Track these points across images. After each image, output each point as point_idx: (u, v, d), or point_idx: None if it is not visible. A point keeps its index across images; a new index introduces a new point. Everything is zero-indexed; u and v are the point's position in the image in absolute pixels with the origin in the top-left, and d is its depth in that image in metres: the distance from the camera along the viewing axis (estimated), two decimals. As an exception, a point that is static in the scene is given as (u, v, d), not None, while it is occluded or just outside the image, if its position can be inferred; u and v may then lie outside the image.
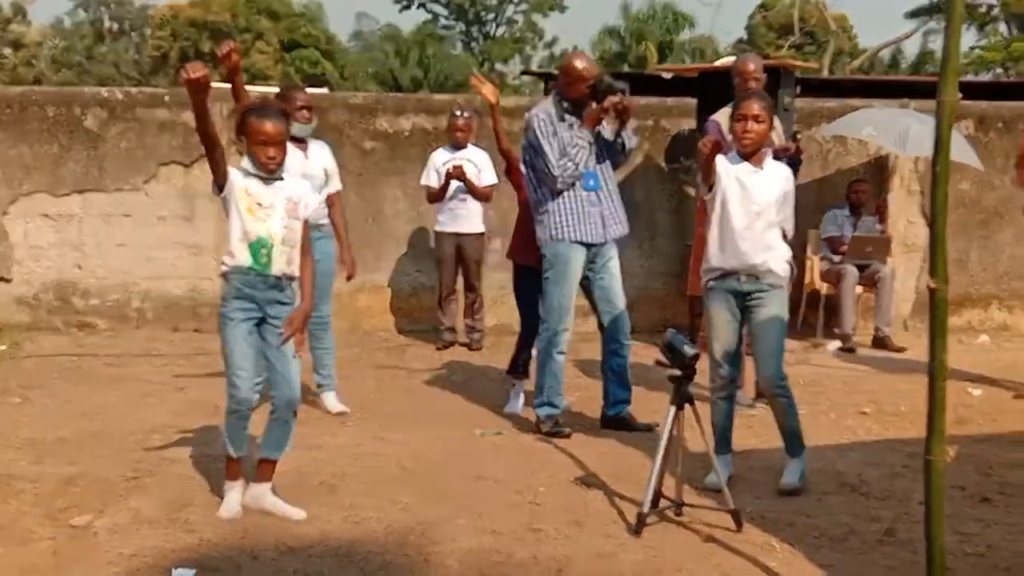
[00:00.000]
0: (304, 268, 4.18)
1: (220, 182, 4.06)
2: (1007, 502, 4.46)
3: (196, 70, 3.83)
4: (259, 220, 4.04)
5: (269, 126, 3.99)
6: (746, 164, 4.59)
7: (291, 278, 4.12)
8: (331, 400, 5.99)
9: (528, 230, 5.85)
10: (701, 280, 4.74)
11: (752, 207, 4.54)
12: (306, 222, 4.20)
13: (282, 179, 4.15)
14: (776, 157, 5.81)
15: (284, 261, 4.08)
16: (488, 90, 6.05)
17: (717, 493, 4.21)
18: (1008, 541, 3.97)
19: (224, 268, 4.11)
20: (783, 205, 4.65)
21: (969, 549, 3.87)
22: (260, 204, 4.04)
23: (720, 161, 4.58)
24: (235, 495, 4.16)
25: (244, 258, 4.04)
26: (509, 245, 6.32)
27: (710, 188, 4.58)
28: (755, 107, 4.54)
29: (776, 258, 4.61)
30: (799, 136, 6.08)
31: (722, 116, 5.99)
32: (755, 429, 5.46)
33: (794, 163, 6.09)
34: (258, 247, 4.03)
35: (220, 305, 4.14)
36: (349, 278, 6.22)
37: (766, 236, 4.58)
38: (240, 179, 4.07)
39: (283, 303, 4.11)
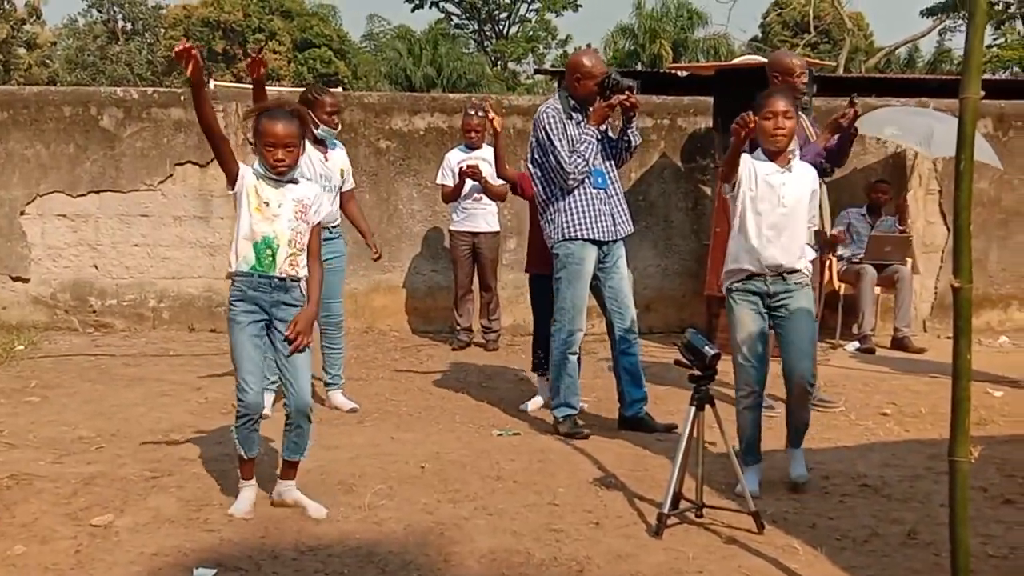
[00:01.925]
0: (313, 272, 4.16)
1: (231, 176, 4.04)
2: (1030, 504, 4.42)
3: (182, 43, 3.88)
4: (266, 220, 4.02)
5: (279, 128, 3.97)
6: (773, 164, 4.52)
7: (296, 279, 4.09)
8: (339, 398, 6.01)
9: (542, 240, 5.89)
10: (724, 282, 4.66)
11: (780, 208, 4.49)
12: (317, 226, 4.18)
13: (295, 182, 4.13)
14: (838, 129, 5.76)
15: (289, 263, 4.06)
16: (497, 121, 6.07)
17: (739, 495, 4.19)
18: (1032, 543, 3.93)
19: (229, 269, 4.10)
20: (810, 205, 4.61)
21: (992, 551, 3.84)
22: (267, 204, 4.02)
23: (745, 161, 4.52)
24: (248, 494, 4.17)
25: (248, 258, 4.02)
26: (527, 259, 6.33)
27: (732, 185, 4.52)
28: (783, 103, 4.47)
29: (803, 258, 4.59)
30: (856, 100, 5.76)
31: None
32: (776, 431, 5.41)
33: (844, 138, 5.83)
34: (263, 247, 4.01)
35: (228, 307, 4.13)
36: (377, 258, 6.38)
37: (794, 237, 4.54)
38: (251, 177, 4.06)
39: (290, 305, 4.09)
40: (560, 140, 5.41)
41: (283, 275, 4.05)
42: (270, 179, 4.05)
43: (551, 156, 5.43)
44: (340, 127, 6.10)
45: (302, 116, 4.13)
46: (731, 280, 4.60)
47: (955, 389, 3.00)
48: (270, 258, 4.02)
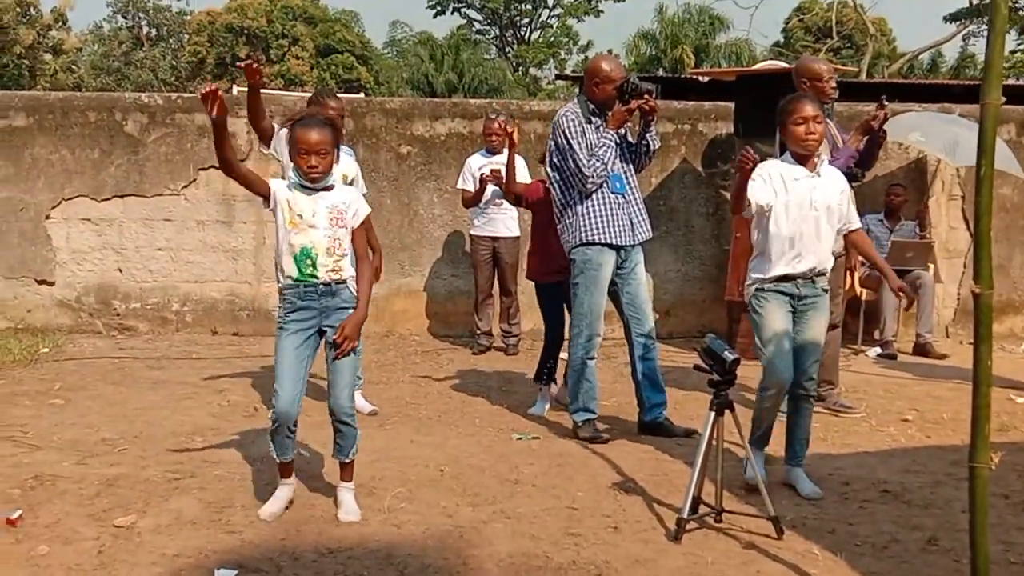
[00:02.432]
0: (362, 274, 4.18)
1: (265, 197, 4.10)
2: (1052, 511, 4.39)
3: (207, 86, 3.92)
4: (301, 232, 4.06)
5: (313, 135, 4.00)
6: (803, 168, 4.50)
7: (342, 282, 4.13)
8: (359, 401, 6.02)
9: (543, 248, 5.96)
10: (750, 284, 4.62)
11: (812, 212, 4.48)
12: (361, 228, 4.20)
13: (330, 188, 4.15)
14: (868, 131, 5.75)
15: (332, 269, 4.09)
16: (515, 134, 6.10)
17: (757, 497, 4.18)
18: (1054, 551, 3.91)
19: (279, 284, 4.16)
20: (843, 206, 4.60)
21: (1013, 558, 3.82)
22: (301, 216, 4.06)
23: (774, 165, 4.53)
24: (283, 492, 4.22)
25: (291, 270, 4.07)
26: (527, 267, 6.36)
27: (738, 211, 4.54)
28: (812, 108, 4.46)
29: (829, 262, 4.60)
30: (886, 103, 5.74)
31: None
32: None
33: (874, 141, 5.82)
34: (303, 258, 4.06)
35: (277, 320, 4.19)
36: (375, 280, 6.28)
37: (824, 241, 4.54)
38: (283, 191, 4.10)
39: (342, 308, 4.13)
40: (579, 144, 5.41)
41: (328, 280, 4.09)
42: (304, 188, 4.08)
43: (570, 159, 5.43)
44: (345, 132, 6.08)
45: (335, 124, 4.17)
46: (761, 283, 4.56)
47: (975, 395, 3.00)
48: (311, 267, 4.06)
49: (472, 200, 8.02)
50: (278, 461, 4.20)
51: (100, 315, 8.68)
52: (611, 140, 5.45)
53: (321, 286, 4.09)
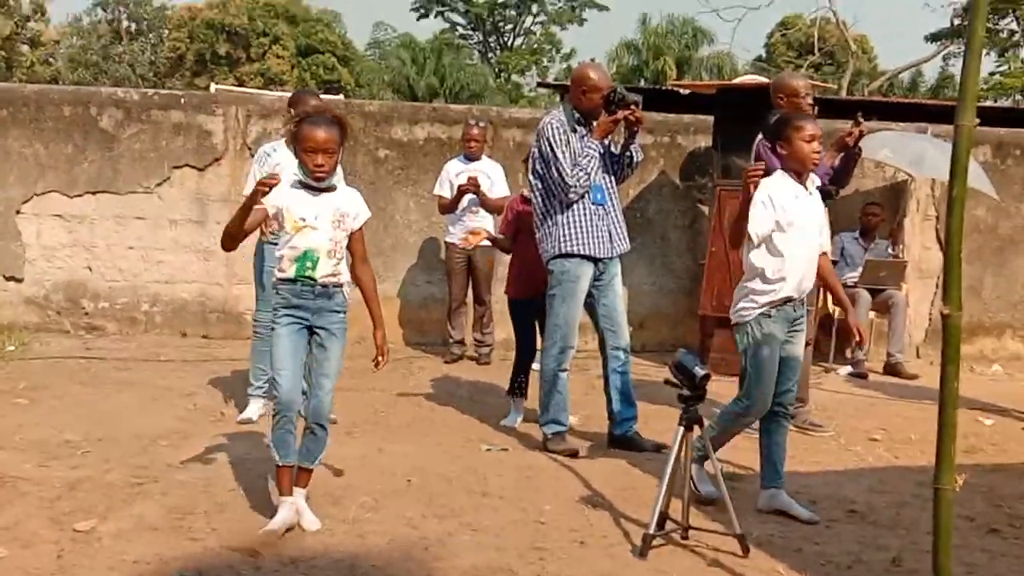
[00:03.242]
0: (364, 279, 4.24)
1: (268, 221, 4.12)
2: (1015, 533, 4.42)
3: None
4: (303, 235, 4.04)
5: (320, 133, 3.97)
6: (800, 186, 4.45)
7: (339, 286, 4.13)
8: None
9: (522, 265, 5.92)
10: (750, 308, 4.44)
11: (808, 232, 4.43)
12: (360, 231, 4.19)
13: (333, 189, 4.12)
14: (843, 148, 5.75)
15: (330, 272, 4.08)
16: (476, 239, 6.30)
17: (723, 515, 4.15)
18: (1015, 573, 3.93)
19: (274, 279, 4.15)
20: (824, 225, 4.59)
21: (976, 581, 3.83)
22: (303, 219, 4.03)
23: (774, 184, 4.40)
24: (284, 515, 4.03)
25: (290, 269, 4.06)
26: (507, 285, 6.34)
27: (737, 244, 4.48)
28: (814, 125, 4.43)
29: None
30: (861, 119, 5.76)
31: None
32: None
33: (849, 158, 5.81)
34: (304, 260, 4.05)
35: (273, 313, 4.18)
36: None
37: (814, 260, 4.51)
38: (284, 196, 4.05)
39: (333, 311, 4.13)
40: (563, 153, 5.38)
41: (325, 283, 4.08)
42: (309, 188, 4.06)
43: (553, 168, 5.39)
44: None
45: (343, 123, 4.11)
46: (765, 307, 4.41)
47: (942, 416, 3.01)
48: (311, 269, 4.05)
49: (449, 207, 7.99)
50: (279, 463, 4.07)
51: (68, 314, 8.58)
52: (595, 150, 5.42)
53: (318, 287, 4.08)
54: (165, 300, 8.65)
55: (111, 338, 8.38)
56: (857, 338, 4.67)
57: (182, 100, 8.77)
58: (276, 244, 4.22)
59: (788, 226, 4.36)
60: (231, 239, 4.06)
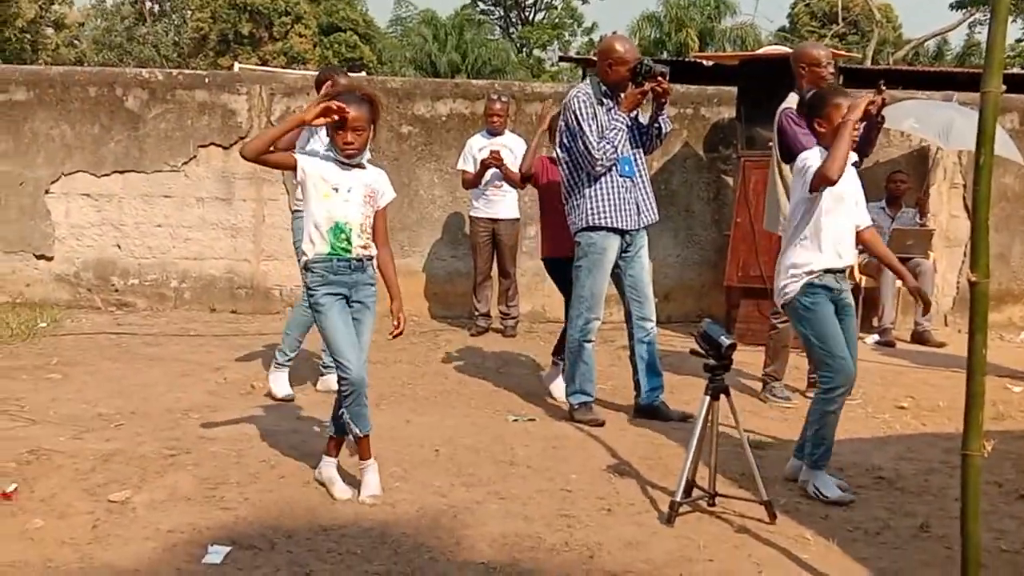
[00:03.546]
0: (385, 258, 4.24)
1: (292, 169, 4.12)
2: (1045, 500, 4.40)
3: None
4: (337, 205, 4.06)
5: (350, 111, 3.98)
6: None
7: (370, 258, 4.16)
8: (332, 382, 5.98)
9: (555, 225, 5.90)
10: (793, 281, 4.39)
11: (851, 203, 4.42)
12: (383, 210, 4.21)
13: (363, 167, 4.15)
14: (866, 117, 5.66)
15: (363, 246, 4.11)
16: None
17: (750, 482, 4.16)
18: (1045, 539, 3.92)
19: (305, 258, 4.13)
20: (860, 200, 4.54)
21: (1005, 546, 3.83)
22: (336, 190, 4.06)
23: (814, 158, 4.33)
24: (371, 476, 4.18)
25: (324, 244, 4.06)
26: (542, 247, 6.32)
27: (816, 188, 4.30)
28: (850, 103, 4.32)
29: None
30: (884, 88, 5.65)
31: (792, 104, 5.64)
32: (790, 422, 5.43)
33: (871, 127, 5.75)
34: (338, 231, 4.06)
35: (307, 295, 4.18)
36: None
37: (852, 233, 4.47)
38: (315, 164, 4.08)
39: (367, 284, 4.17)
40: (590, 126, 5.36)
41: (359, 256, 4.11)
42: (340, 163, 4.08)
43: (580, 141, 5.38)
44: None
45: (374, 101, 4.12)
46: (808, 278, 4.35)
47: (969, 384, 2.99)
48: (345, 241, 4.07)
49: (472, 181, 8.00)
50: (360, 435, 4.13)
51: (98, 291, 8.68)
52: (623, 123, 5.40)
53: (354, 261, 4.10)
54: (194, 276, 8.73)
55: (141, 314, 8.47)
56: (923, 305, 4.61)
57: (207, 80, 8.82)
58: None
59: (829, 193, 4.31)
60: (255, 148, 3.99)
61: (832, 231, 4.36)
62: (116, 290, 8.69)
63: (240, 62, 26.88)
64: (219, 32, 41.34)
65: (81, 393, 5.75)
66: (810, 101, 4.53)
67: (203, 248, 8.71)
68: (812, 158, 4.33)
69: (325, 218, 4.05)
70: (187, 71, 9.63)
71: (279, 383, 5.79)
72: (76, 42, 42.54)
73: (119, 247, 8.68)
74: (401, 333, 4.26)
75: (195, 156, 8.65)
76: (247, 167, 8.57)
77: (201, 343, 7.38)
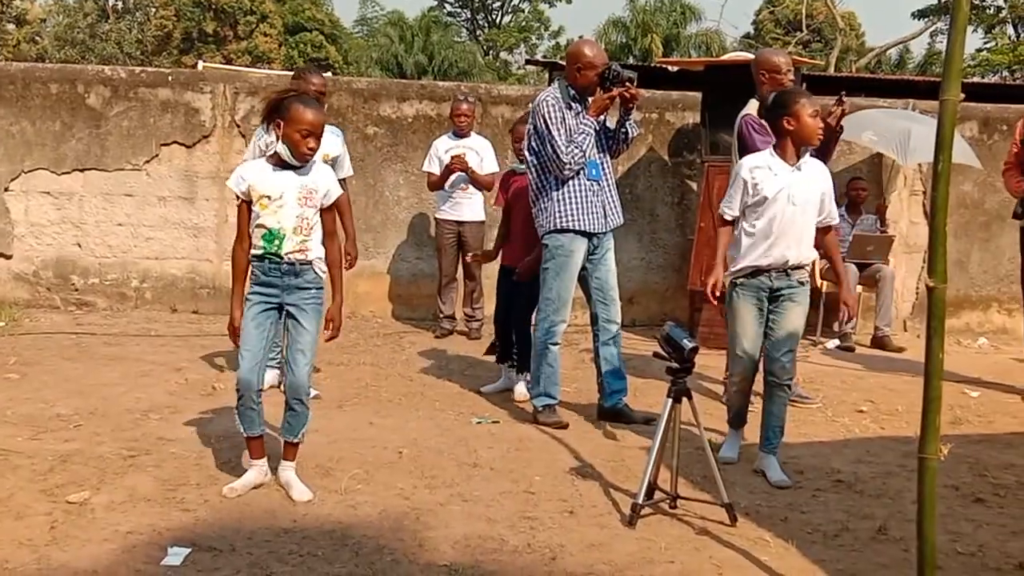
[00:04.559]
0: (331, 256, 4.21)
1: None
2: (1000, 503, 4.47)
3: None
4: (269, 213, 4.06)
5: (311, 115, 3.98)
6: (784, 163, 4.60)
7: (307, 263, 4.12)
8: (272, 377, 5.91)
9: (525, 237, 5.91)
10: (725, 276, 4.70)
11: (789, 206, 4.56)
12: (331, 209, 4.20)
13: (297, 167, 4.11)
14: (825, 128, 5.74)
15: (297, 249, 4.08)
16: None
17: (711, 484, 4.20)
18: (999, 542, 3.98)
19: (249, 256, 4.17)
20: (824, 202, 4.68)
21: (961, 548, 3.88)
22: (269, 197, 4.05)
23: (762, 157, 4.64)
24: (251, 476, 4.20)
25: (259, 245, 4.09)
26: (503, 255, 6.35)
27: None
28: (814, 103, 4.57)
29: (807, 256, 4.68)
30: (844, 98, 5.75)
31: (752, 110, 5.76)
32: (751, 425, 5.46)
33: (830, 136, 5.78)
34: (270, 236, 4.07)
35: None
36: (349, 267, 6.19)
37: (802, 234, 4.62)
38: (250, 174, 4.09)
39: (303, 288, 4.13)
40: (558, 130, 5.38)
41: (291, 260, 4.08)
42: (278, 165, 4.07)
43: (548, 145, 5.39)
44: (327, 109, 6.05)
45: (321, 104, 4.18)
46: (737, 274, 4.67)
47: (926, 388, 3.03)
48: (277, 246, 4.07)
49: (437, 183, 7.99)
50: (245, 436, 4.18)
51: (58, 290, 8.58)
52: (591, 127, 5.43)
53: (285, 265, 4.08)
54: (155, 276, 8.65)
55: (101, 314, 8.38)
56: (846, 314, 4.83)
57: (170, 78, 8.74)
58: None
59: (761, 202, 4.57)
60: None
61: (763, 231, 4.58)
62: (76, 289, 8.59)
63: (204, 60, 26.67)
64: (183, 30, 41.02)
65: (39, 393, 5.68)
66: (776, 100, 4.67)
67: (165, 248, 8.63)
68: (744, 166, 4.66)
69: (258, 224, 4.08)
70: (150, 69, 9.54)
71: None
72: (37, 38, 42.01)
73: (79, 246, 8.58)
74: (334, 337, 4.24)
75: (157, 155, 8.57)
76: (210, 166, 8.53)
77: (162, 343, 7.31)
